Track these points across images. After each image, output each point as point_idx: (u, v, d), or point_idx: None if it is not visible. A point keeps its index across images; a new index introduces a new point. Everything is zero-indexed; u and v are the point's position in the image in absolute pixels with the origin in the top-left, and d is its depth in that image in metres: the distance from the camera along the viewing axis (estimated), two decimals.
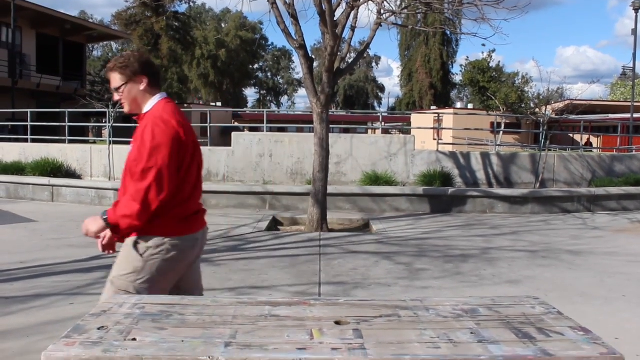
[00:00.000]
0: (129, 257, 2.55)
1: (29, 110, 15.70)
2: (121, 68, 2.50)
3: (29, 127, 14.92)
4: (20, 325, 4.03)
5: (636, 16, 23.42)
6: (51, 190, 11.43)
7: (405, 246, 7.24)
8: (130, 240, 2.54)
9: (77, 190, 11.24)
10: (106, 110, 13.32)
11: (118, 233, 2.46)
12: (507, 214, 10.47)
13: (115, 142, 13.06)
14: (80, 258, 6.26)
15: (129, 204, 2.35)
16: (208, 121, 13.87)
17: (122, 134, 16.31)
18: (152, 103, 2.53)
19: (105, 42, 50.10)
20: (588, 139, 21.86)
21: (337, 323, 2.00)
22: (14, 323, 4.07)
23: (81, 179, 12.92)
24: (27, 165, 12.78)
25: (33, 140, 14.88)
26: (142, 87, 2.52)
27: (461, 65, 34.48)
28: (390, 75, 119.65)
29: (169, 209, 2.47)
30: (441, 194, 10.61)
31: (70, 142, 14.59)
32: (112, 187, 10.95)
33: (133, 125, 18.12)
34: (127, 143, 14.29)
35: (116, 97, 2.51)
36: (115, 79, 2.50)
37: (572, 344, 1.82)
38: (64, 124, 14.69)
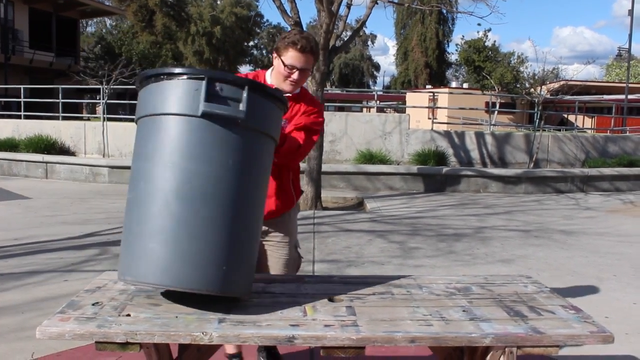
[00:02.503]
0: None
1: (22, 87, 15.56)
2: (317, 54, 2.57)
3: (22, 103, 14.80)
4: (15, 301, 4.03)
5: None
6: (45, 167, 11.38)
7: (399, 225, 7.26)
8: (295, 210, 2.83)
9: (71, 167, 11.19)
10: (100, 86, 13.21)
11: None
12: (501, 193, 10.50)
13: (109, 119, 12.98)
14: (74, 235, 6.25)
15: (295, 142, 2.50)
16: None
17: (116, 111, 16.21)
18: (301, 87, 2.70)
19: (99, 18, 49.50)
20: (562, 119, 21.84)
21: (331, 300, 2.01)
22: (8, 300, 4.07)
23: (75, 155, 12.87)
24: (20, 142, 12.71)
25: (26, 117, 14.78)
26: (310, 73, 2.67)
27: (457, 45, 34.33)
28: (385, 54, 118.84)
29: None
30: (435, 173, 10.62)
31: (64, 118, 14.50)
32: (107, 164, 10.91)
33: (127, 102, 17.87)
34: (121, 120, 14.23)
35: (295, 76, 2.49)
36: (309, 61, 2.50)
37: (562, 322, 1.83)
38: (57, 100, 14.58)
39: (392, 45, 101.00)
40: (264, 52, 76.90)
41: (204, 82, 1.77)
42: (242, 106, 1.81)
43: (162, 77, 1.81)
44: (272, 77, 2.59)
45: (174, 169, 1.77)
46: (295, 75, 2.48)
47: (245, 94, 1.83)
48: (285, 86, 2.51)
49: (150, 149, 1.80)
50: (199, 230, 1.75)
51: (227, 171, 1.80)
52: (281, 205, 2.64)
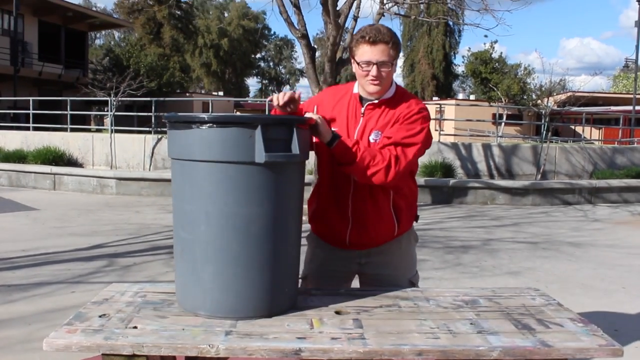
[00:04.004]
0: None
1: (30, 99, 15.69)
2: (396, 44, 2.24)
3: (30, 115, 14.91)
4: (22, 313, 4.04)
5: (639, 7, 23.28)
6: (53, 178, 11.43)
7: None
8: (407, 236, 2.50)
9: (78, 178, 11.24)
10: (108, 98, 13.30)
11: (336, 157, 2.18)
12: (508, 205, 10.46)
13: (117, 131, 13.06)
14: (82, 247, 6.27)
15: (374, 159, 2.16)
16: (210, 110, 13.84)
17: (123, 123, 16.31)
18: (393, 86, 2.35)
19: (107, 30, 49.97)
20: (555, 129, 21.72)
21: (337, 313, 2.00)
22: (16, 311, 4.08)
23: (83, 167, 12.93)
24: (29, 154, 12.79)
25: (35, 129, 14.89)
26: (395, 68, 2.34)
27: (463, 56, 34.45)
28: None
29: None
30: (442, 184, 10.60)
31: (72, 130, 14.59)
32: (114, 176, 10.95)
33: (134, 114, 17.99)
34: (129, 132, 14.31)
35: (373, 72, 2.21)
36: (385, 53, 2.21)
37: (571, 335, 1.82)
38: (65, 112, 14.68)
39: (399, 58, 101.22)
40: (271, 64, 77.28)
41: (258, 130, 1.78)
42: (294, 147, 1.87)
43: (212, 124, 1.82)
44: (358, 84, 2.35)
45: (235, 213, 1.83)
46: (373, 71, 2.21)
47: (295, 134, 1.87)
48: (368, 87, 2.26)
49: (206, 193, 1.85)
50: (255, 266, 1.88)
51: (284, 209, 1.92)
52: (375, 233, 2.34)
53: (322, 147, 2.19)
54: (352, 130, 2.27)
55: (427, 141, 2.28)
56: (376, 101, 2.29)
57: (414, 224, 2.54)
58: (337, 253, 2.40)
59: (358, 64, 2.24)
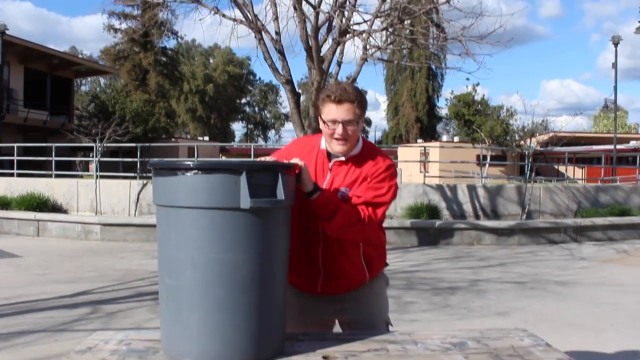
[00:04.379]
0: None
1: (15, 145, 15.64)
2: (361, 102, 2.28)
3: (15, 161, 14.83)
4: None
5: (615, 50, 23.94)
6: (37, 224, 11.31)
7: (394, 279, 7.22)
8: (379, 280, 2.53)
9: (63, 224, 11.13)
10: (93, 144, 13.30)
11: (318, 212, 2.20)
12: (495, 245, 10.49)
13: (102, 177, 13.02)
14: (66, 294, 6.17)
15: (351, 217, 2.21)
16: (195, 155, 13.87)
17: (109, 168, 16.27)
18: (360, 143, 2.38)
19: (93, 77, 50.27)
20: (538, 169, 21.94)
21: (325, 358, 1.98)
22: None
23: (67, 213, 12.82)
24: (12, 200, 12.66)
25: (19, 175, 14.79)
26: (362, 126, 2.39)
27: (446, 99, 34.99)
28: (376, 109, 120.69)
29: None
30: (428, 226, 10.63)
31: (57, 176, 14.52)
32: (99, 222, 10.87)
33: (120, 160, 17.86)
34: (114, 177, 14.28)
35: (339, 130, 2.24)
36: (351, 111, 2.25)
37: None
38: (50, 158, 14.63)
39: (383, 101, 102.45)
40: (256, 109, 77.92)
41: (243, 176, 1.79)
42: (279, 192, 1.87)
43: (197, 170, 1.82)
44: (324, 139, 2.38)
45: (221, 259, 1.83)
46: (339, 130, 2.23)
47: (280, 180, 1.88)
48: (334, 146, 2.29)
49: (192, 239, 1.85)
50: (241, 312, 1.86)
51: (270, 254, 1.91)
52: (347, 282, 2.39)
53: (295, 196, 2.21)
54: (320, 184, 2.29)
55: (394, 197, 2.33)
56: (343, 158, 2.32)
57: (384, 270, 2.58)
58: (311, 300, 2.43)
59: (324, 122, 2.27)
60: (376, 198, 2.24)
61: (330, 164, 2.34)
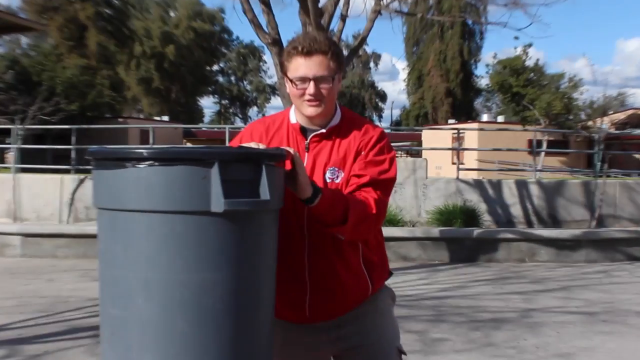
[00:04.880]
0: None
1: None
2: (336, 54, 2.33)
3: None
4: None
5: None
6: None
7: (418, 308, 7.20)
8: (383, 296, 2.57)
9: None
10: (11, 126, 13.25)
11: (319, 219, 2.23)
12: (554, 262, 10.47)
13: (23, 170, 12.98)
14: None
15: (364, 208, 2.25)
16: (150, 141, 13.83)
17: (32, 159, 16.22)
18: (339, 112, 2.45)
19: (11, 35, 50.10)
20: (613, 159, 21.94)
21: None
22: None
23: None
24: None
25: None
26: (339, 86, 2.44)
27: (487, 65, 34.97)
28: (394, 79, 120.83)
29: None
30: (464, 236, 10.61)
31: None
32: (19, 231, 10.82)
33: (48, 147, 17.75)
34: (40, 171, 14.23)
35: (310, 89, 2.29)
36: (324, 65, 2.30)
37: None
38: None
39: (402, 68, 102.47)
40: (232, 79, 77.89)
41: (215, 168, 1.78)
42: (263, 190, 1.87)
43: (153, 161, 1.81)
44: (294, 109, 2.47)
45: (185, 281, 1.82)
46: (310, 89, 2.29)
47: (264, 173, 1.88)
48: (305, 109, 2.35)
49: (145, 255, 1.84)
50: (211, 352, 1.86)
51: (250, 274, 1.91)
52: (343, 296, 2.40)
53: None
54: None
55: (396, 175, 2.42)
56: (323, 131, 2.38)
57: (387, 282, 2.62)
58: (297, 331, 2.43)
59: (291, 81, 2.32)
60: (382, 174, 2.32)
61: (307, 141, 2.39)
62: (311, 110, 2.33)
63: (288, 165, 2.07)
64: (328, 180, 2.32)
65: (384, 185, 2.31)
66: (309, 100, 2.31)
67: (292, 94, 2.35)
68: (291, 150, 2.09)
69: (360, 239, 2.32)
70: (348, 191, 2.27)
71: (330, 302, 2.36)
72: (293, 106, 2.45)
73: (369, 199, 2.23)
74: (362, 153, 2.34)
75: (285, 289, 2.32)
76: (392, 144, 2.51)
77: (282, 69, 2.40)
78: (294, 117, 2.43)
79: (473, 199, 12.08)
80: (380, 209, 2.25)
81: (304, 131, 2.40)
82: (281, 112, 2.55)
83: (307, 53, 2.29)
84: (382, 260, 2.52)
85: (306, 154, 2.36)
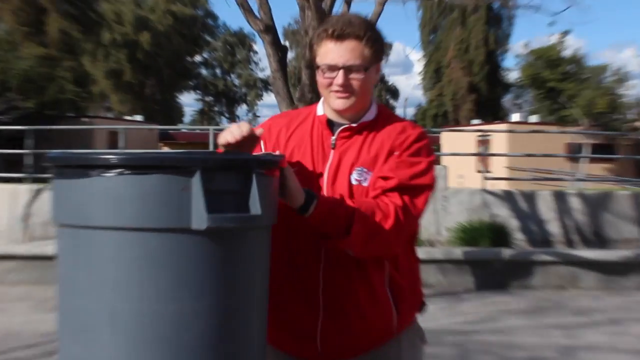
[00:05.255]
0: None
1: None
2: (374, 40, 2.33)
3: None
4: None
5: None
6: None
7: (438, 345, 7.16)
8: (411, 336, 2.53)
9: None
10: None
11: (322, 234, 2.22)
12: (600, 290, 10.44)
13: None
14: None
15: (381, 214, 2.21)
16: (121, 145, 13.83)
17: None
18: (374, 107, 2.45)
19: None
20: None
21: None
22: None
23: None
24: None
25: None
26: (377, 78, 2.47)
27: (517, 56, 35.06)
28: (408, 72, 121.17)
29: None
30: (492, 258, 10.57)
31: None
32: None
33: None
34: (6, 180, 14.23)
35: (338, 79, 2.29)
36: (358, 53, 2.30)
37: None
38: None
39: (417, 59, 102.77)
40: (218, 71, 78.10)
41: (197, 177, 1.78)
42: (254, 204, 1.87)
43: (123, 169, 1.80)
44: (322, 101, 2.48)
45: (160, 313, 1.82)
46: (339, 79, 2.29)
47: (255, 184, 1.88)
48: (333, 101, 2.36)
49: (113, 281, 1.83)
50: None
51: (239, 302, 1.92)
52: (363, 327, 2.34)
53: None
54: (319, 167, 2.35)
55: (434, 183, 2.39)
56: (354, 124, 2.38)
57: (418, 316, 2.59)
58: None
59: (319, 67, 2.35)
60: (415, 179, 2.28)
61: (334, 137, 2.39)
62: (339, 103, 2.34)
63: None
64: (354, 183, 2.30)
65: (416, 191, 2.27)
66: (337, 92, 2.32)
67: (320, 83, 2.38)
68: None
69: (378, 255, 2.28)
70: (371, 196, 2.26)
71: (347, 334, 2.33)
72: (322, 99, 2.46)
73: (389, 206, 2.19)
74: (396, 153, 2.32)
75: (292, 314, 2.33)
76: None
77: (311, 53, 2.44)
78: (321, 109, 2.45)
79: (502, 213, 12.07)
80: (404, 219, 2.20)
81: (331, 125, 2.40)
82: (311, 105, 2.57)
83: (339, 37, 2.29)
84: (413, 287, 2.49)
85: (332, 151, 2.36)
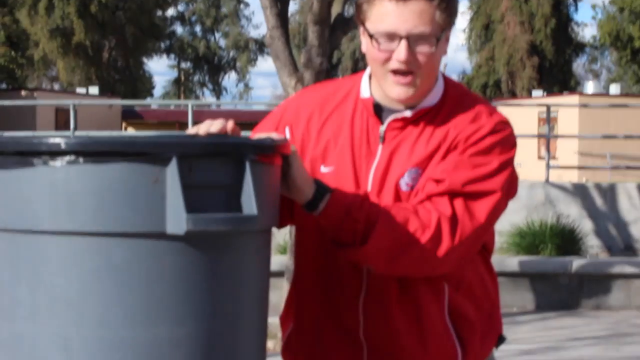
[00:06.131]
0: None
1: None
2: (447, 1, 2.21)
3: None
4: None
5: None
6: None
7: None
8: None
9: None
10: None
11: (337, 243, 2.16)
12: None
13: None
14: None
15: (418, 224, 2.13)
16: (72, 125, 13.87)
17: None
18: (440, 83, 2.34)
19: None
20: None
21: None
22: None
23: None
24: None
25: None
26: (446, 49, 2.34)
27: (594, 7, 34.90)
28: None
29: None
30: (558, 270, 10.58)
31: None
32: None
33: None
34: None
35: (400, 54, 2.17)
36: (427, 16, 2.17)
37: None
38: None
39: (460, 12, 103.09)
40: (197, 30, 77.92)
41: (173, 166, 1.74)
42: (247, 201, 1.84)
43: (76, 156, 1.76)
44: (367, 76, 2.38)
45: (127, 341, 1.80)
46: (401, 52, 2.16)
47: (249, 174, 1.84)
48: (391, 87, 2.24)
49: (65, 301, 1.81)
50: None
51: (228, 328, 1.91)
52: None
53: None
54: (362, 171, 2.28)
55: (511, 187, 2.32)
56: (408, 114, 2.28)
57: (494, 351, 2.54)
58: None
59: (371, 36, 2.23)
60: (474, 183, 2.18)
61: (383, 127, 2.31)
62: (398, 91, 2.22)
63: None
64: (404, 189, 2.23)
65: (474, 197, 2.18)
66: (395, 72, 2.21)
67: (372, 56, 2.26)
68: (277, 137, 2.05)
69: (414, 275, 2.20)
70: (415, 203, 2.18)
71: None
72: (367, 71, 2.37)
73: (431, 213, 2.10)
74: (459, 148, 2.22)
75: (332, 353, 2.32)
76: None
77: (359, 15, 2.28)
78: (366, 89, 2.34)
79: (572, 212, 12.07)
80: (452, 233, 2.10)
81: (379, 111, 2.31)
82: (353, 75, 2.47)
83: None
84: (485, 315, 2.42)
85: (380, 146, 2.28)
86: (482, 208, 2.17)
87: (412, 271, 2.17)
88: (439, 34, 2.20)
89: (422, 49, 2.17)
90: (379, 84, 2.28)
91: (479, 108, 2.28)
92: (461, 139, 2.21)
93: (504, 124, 2.28)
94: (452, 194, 2.13)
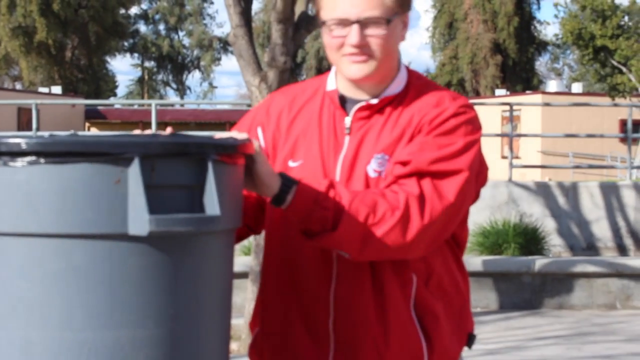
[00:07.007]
0: None
1: None
2: None
3: None
4: None
5: None
6: None
7: None
8: None
9: None
10: None
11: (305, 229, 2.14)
12: None
13: None
14: None
15: (386, 205, 2.13)
16: (34, 125, 13.78)
17: None
18: (403, 73, 2.36)
19: None
20: None
21: None
22: None
23: None
24: None
25: None
26: (404, 35, 2.37)
27: (556, 5, 35.00)
28: (412, 27, 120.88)
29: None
30: (521, 270, 10.61)
31: None
32: None
33: None
34: None
35: (352, 37, 2.21)
36: (378, 1, 2.21)
37: None
38: None
39: (424, 10, 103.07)
40: (161, 29, 77.72)
41: (135, 166, 1.74)
42: (210, 201, 1.84)
43: (37, 157, 1.75)
44: (334, 71, 2.41)
45: (89, 343, 1.79)
46: (353, 37, 2.21)
47: (211, 174, 1.84)
48: (347, 68, 2.28)
49: (26, 303, 1.81)
50: None
51: (191, 329, 1.90)
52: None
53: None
54: (330, 162, 2.29)
55: (481, 170, 2.33)
56: (374, 101, 2.31)
57: (465, 350, 2.53)
58: None
59: (325, 24, 2.27)
60: (440, 162, 2.18)
61: (349, 117, 2.33)
62: (354, 70, 2.26)
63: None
64: (372, 175, 2.24)
65: (442, 177, 2.17)
66: (351, 55, 2.24)
67: (327, 45, 2.32)
68: (240, 136, 2.06)
69: (385, 259, 2.19)
70: (383, 186, 2.19)
71: None
72: (334, 67, 2.39)
73: (399, 194, 2.12)
74: (423, 130, 2.25)
75: (300, 351, 2.31)
76: None
77: (314, 5, 2.35)
78: (332, 82, 2.37)
79: (535, 212, 12.11)
80: (421, 213, 2.11)
81: (344, 102, 2.34)
82: (322, 75, 2.50)
83: None
84: (455, 312, 2.42)
85: (346, 137, 2.30)
86: (450, 187, 2.17)
87: (386, 254, 2.15)
88: (390, 16, 2.22)
89: (374, 32, 2.21)
90: (338, 71, 2.33)
91: (442, 93, 2.33)
92: (425, 122, 2.23)
93: (468, 107, 2.30)
94: (419, 174, 2.14)
